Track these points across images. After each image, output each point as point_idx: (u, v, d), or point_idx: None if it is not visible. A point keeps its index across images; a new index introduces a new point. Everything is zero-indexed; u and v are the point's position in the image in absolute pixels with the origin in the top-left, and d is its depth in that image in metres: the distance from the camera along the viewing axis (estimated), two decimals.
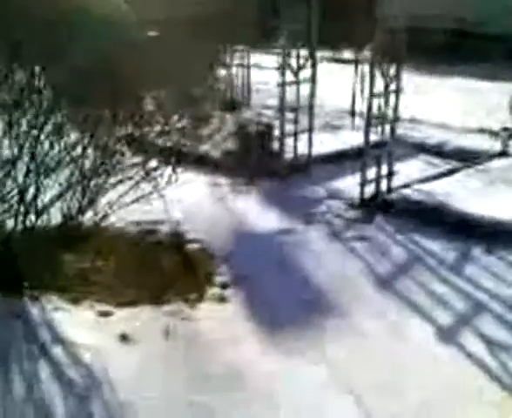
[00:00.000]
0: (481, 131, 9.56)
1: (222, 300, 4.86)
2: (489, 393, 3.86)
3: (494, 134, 9.17)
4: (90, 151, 4.91)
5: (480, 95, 12.17)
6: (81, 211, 5.08)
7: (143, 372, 3.93)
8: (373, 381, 3.92)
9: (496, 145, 8.65)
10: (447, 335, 4.47)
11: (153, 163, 5.37)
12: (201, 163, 7.93)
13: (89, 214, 5.16)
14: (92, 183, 5.04)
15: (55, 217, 5.00)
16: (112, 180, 5.12)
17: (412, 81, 9.11)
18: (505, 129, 8.88)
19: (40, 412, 3.53)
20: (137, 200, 5.20)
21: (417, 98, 10.67)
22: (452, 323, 4.63)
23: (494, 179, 7.39)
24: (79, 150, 4.86)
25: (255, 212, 6.75)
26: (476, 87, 13.14)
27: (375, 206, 6.75)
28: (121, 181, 5.12)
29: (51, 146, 4.66)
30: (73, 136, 4.86)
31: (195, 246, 5.77)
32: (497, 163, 8.11)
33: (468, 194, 6.81)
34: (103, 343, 4.16)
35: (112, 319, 4.51)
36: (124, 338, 4.25)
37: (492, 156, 8.35)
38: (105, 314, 4.54)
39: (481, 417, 3.65)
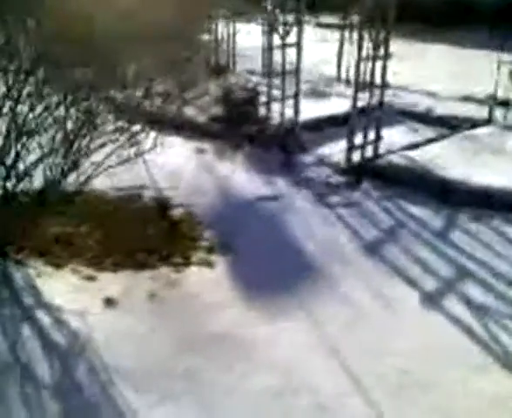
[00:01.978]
0: (468, 98, 9.54)
1: (208, 264, 4.82)
2: (475, 356, 3.89)
3: (480, 102, 9.15)
4: (72, 112, 4.78)
5: (466, 62, 12.12)
6: (64, 174, 4.97)
7: (128, 336, 3.90)
8: (359, 345, 3.94)
9: (483, 113, 8.63)
10: (433, 301, 4.49)
11: (137, 127, 5.26)
12: (186, 128, 7.82)
13: (72, 178, 5.05)
14: (75, 145, 4.92)
15: (37, 180, 4.89)
16: (95, 143, 5.01)
17: (398, 47, 9.01)
18: (491, 96, 8.85)
19: (25, 373, 3.49)
20: (120, 164, 5.10)
21: (404, 65, 10.59)
22: (438, 289, 4.65)
23: (480, 147, 7.39)
24: (62, 111, 4.73)
25: (241, 178, 6.69)
26: (463, 54, 13.08)
27: (362, 172, 6.72)
28: (104, 144, 5.02)
29: (32, 107, 4.53)
30: (55, 97, 4.72)
31: (180, 211, 5.71)
32: (483, 130, 8.10)
33: (453, 161, 6.81)
34: (87, 307, 4.12)
35: (97, 283, 4.46)
36: (108, 302, 4.21)
37: (478, 123, 8.34)
38: (90, 278, 4.48)
39: (466, 380, 3.68)
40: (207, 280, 4.62)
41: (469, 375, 3.71)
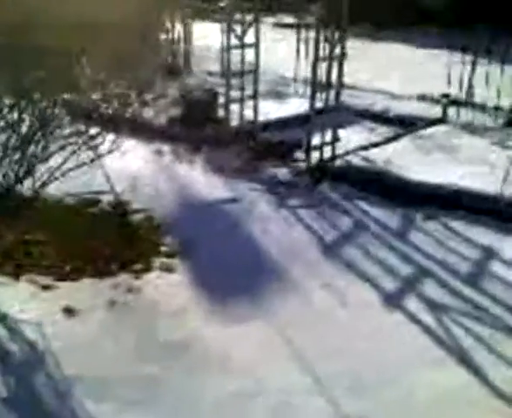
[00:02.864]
0: (422, 97, 9.74)
1: (168, 269, 4.79)
2: (432, 354, 3.98)
3: (434, 101, 9.35)
4: (26, 116, 4.68)
5: (419, 61, 12.36)
6: (18, 179, 4.86)
7: (88, 345, 3.84)
8: (320, 346, 3.98)
9: (437, 112, 8.83)
10: (392, 300, 4.57)
11: (93, 130, 5.19)
12: (144, 130, 7.74)
13: (27, 183, 4.94)
14: (30, 150, 4.82)
15: None
16: (51, 148, 4.91)
17: (353, 47, 9.13)
18: (445, 95, 9.06)
19: None
20: (77, 168, 5.02)
21: (359, 65, 10.72)
22: (397, 288, 4.74)
23: (435, 146, 7.56)
24: (15, 115, 4.62)
25: (200, 181, 6.67)
26: (416, 53, 13.34)
27: (320, 173, 6.79)
28: (60, 148, 4.92)
29: None
30: (8, 100, 4.61)
31: (139, 215, 5.65)
32: (437, 129, 8.29)
33: (409, 161, 6.94)
34: (46, 317, 4.04)
35: (55, 292, 4.38)
36: (68, 311, 4.14)
37: (432, 122, 8.53)
38: (48, 287, 4.40)
39: (424, 375, 3.76)
40: (168, 286, 4.60)
41: (427, 371, 3.80)
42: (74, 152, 4.96)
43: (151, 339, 3.96)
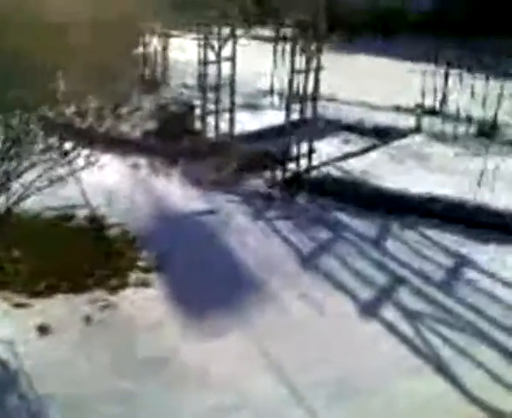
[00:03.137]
0: (397, 108, 9.86)
1: (145, 284, 4.76)
2: (409, 362, 4.00)
3: (409, 111, 9.47)
4: None
5: (396, 73, 12.51)
6: None
7: (62, 363, 3.78)
8: (298, 356, 3.98)
9: (411, 122, 8.94)
10: (369, 309, 4.59)
11: (68, 145, 5.15)
12: (121, 144, 7.70)
13: (1, 199, 4.88)
14: (3, 167, 4.76)
15: None
16: (26, 163, 4.86)
17: (328, 60, 9.21)
18: (419, 106, 9.18)
19: None
20: (52, 184, 4.97)
21: (334, 77, 10.80)
22: (373, 297, 4.76)
23: (409, 155, 7.65)
24: None
25: (177, 193, 6.65)
26: (393, 65, 13.50)
27: (297, 185, 6.82)
28: (34, 165, 4.87)
29: None
30: None
31: (115, 230, 5.61)
32: (412, 139, 8.40)
33: (385, 171, 7.01)
34: (18, 335, 3.97)
35: (29, 310, 4.31)
36: (41, 329, 4.07)
37: (407, 132, 8.63)
38: (21, 305, 4.33)
39: (402, 385, 3.78)
40: (144, 301, 4.56)
41: (405, 380, 3.82)
42: (49, 168, 4.92)
43: (127, 355, 3.92)
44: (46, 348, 3.92)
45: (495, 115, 8.45)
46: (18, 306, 4.33)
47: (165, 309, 4.45)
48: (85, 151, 5.16)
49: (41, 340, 4.00)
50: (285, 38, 10.32)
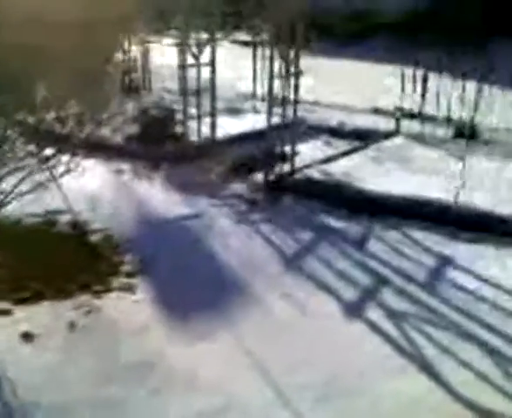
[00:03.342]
0: (376, 111, 9.95)
1: (129, 289, 4.73)
2: (394, 362, 4.03)
3: (388, 114, 9.56)
4: None
5: (376, 76, 12.62)
6: None
7: (47, 370, 3.75)
8: (283, 358, 3.99)
9: (391, 125, 9.03)
10: (353, 310, 4.62)
11: (50, 151, 5.11)
12: (103, 149, 7.66)
13: None
14: None
15: None
16: (4, 170, 4.81)
17: (308, 63, 9.26)
18: (398, 109, 9.29)
19: None
20: (33, 190, 4.93)
21: (313, 80, 10.87)
22: (357, 298, 4.80)
23: (390, 157, 7.73)
24: None
25: (160, 198, 6.63)
26: (370, 69, 13.62)
27: (280, 188, 6.85)
28: (13, 171, 4.82)
29: None
30: None
31: (99, 235, 5.58)
32: (392, 142, 8.49)
33: (366, 173, 7.08)
34: (3, 343, 3.93)
35: (13, 317, 4.26)
36: (26, 336, 4.03)
37: (387, 135, 8.72)
38: (5, 313, 4.28)
39: (387, 386, 3.81)
40: (129, 306, 4.54)
41: (390, 380, 3.85)
42: (29, 174, 4.88)
43: (113, 360, 3.90)
44: (31, 355, 3.88)
45: (472, 117, 8.58)
46: (2, 313, 4.28)
47: (150, 313, 4.44)
48: (66, 157, 5.13)
49: (25, 347, 3.96)
50: (264, 43, 10.37)
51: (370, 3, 16.55)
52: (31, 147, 5.01)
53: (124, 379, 3.72)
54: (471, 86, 8.62)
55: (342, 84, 11.76)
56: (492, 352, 4.12)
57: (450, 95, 8.80)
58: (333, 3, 16.58)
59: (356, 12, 16.61)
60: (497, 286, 4.90)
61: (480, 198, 6.21)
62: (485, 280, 5.01)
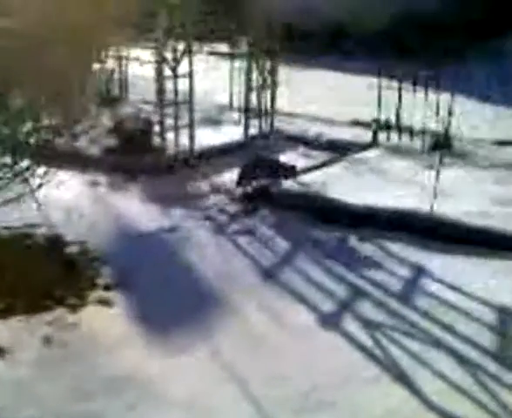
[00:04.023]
0: (354, 123, 10.04)
1: (106, 303, 4.70)
2: (369, 372, 4.07)
3: (365, 125, 9.66)
4: None
5: (352, 88, 12.75)
6: None
7: (21, 387, 3.70)
8: (261, 371, 4.00)
9: (368, 136, 9.13)
10: (329, 321, 4.65)
11: (24, 163, 5.08)
12: (79, 161, 7.62)
13: None
14: None
15: None
16: None
17: (284, 75, 9.33)
18: (375, 120, 9.38)
19: None
20: (6, 203, 4.89)
21: (290, 92, 10.94)
22: (334, 310, 4.83)
23: (367, 169, 7.80)
24: None
25: (137, 211, 6.61)
26: (347, 81, 13.74)
27: (257, 199, 6.87)
28: None
29: None
30: None
31: (75, 248, 5.53)
32: (369, 153, 8.57)
33: (344, 184, 7.13)
34: None
35: None
36: None
37: (364, 147, 8.81)
38: None
39: (363, 396, 3.84)
40: (105, 320, 4.51)
41: (366, 390, 3.88)
42: (4, 186, 4.84)
43: (89, 375, 3.87)
44: (2, 370, 3.83)
45: (447, 129, 8.71)
46: None
47: (127, 327, 4.42)
48: (41, 169, 5.10)
49: None
50: (241, 54, 10.41)
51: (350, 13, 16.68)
52: (6, 159, 4.97)
53: (101, 394, 3.70)
54: (447, 97, 8.73)
55: (320, 96, 11.84)
56: (466, 362, 4.17)
57: (426, 107, 8.92)
58: (312, 12, 16.68)
59: (336, 21, 16.71)
60: (472, 297, 4.97)
61: (454, 209, 6.30)
62: (460, 291, 5.08)
